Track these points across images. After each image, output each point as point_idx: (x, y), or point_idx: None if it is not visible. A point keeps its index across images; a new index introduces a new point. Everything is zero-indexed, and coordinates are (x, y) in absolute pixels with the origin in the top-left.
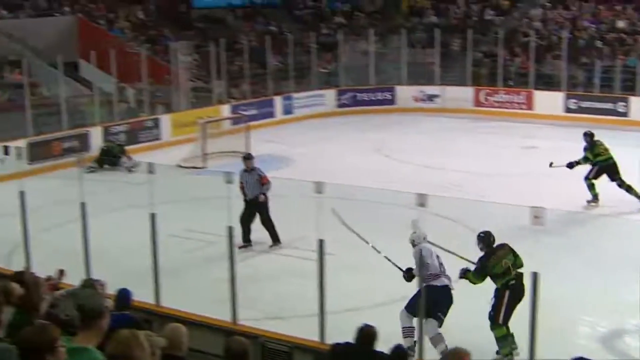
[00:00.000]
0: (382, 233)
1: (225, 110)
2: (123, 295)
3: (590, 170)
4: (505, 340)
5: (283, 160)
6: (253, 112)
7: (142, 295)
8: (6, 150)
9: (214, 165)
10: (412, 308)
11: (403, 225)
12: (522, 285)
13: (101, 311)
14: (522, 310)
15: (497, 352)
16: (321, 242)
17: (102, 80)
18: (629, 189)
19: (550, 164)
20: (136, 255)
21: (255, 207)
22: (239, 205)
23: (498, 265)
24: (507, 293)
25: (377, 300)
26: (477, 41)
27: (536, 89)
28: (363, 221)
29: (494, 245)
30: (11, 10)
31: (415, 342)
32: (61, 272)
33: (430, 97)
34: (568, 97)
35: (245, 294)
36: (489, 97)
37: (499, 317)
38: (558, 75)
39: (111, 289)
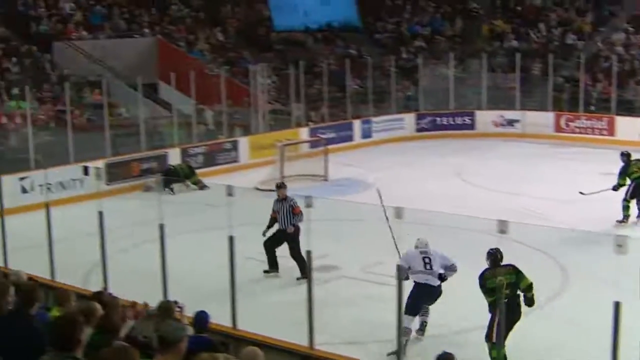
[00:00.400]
0: (461, 259)
1: (304, 133)
2: (201, 318)
3: (627, 191)
4: None
5: (361, 185)
6: (331, 135)
7: (219, 317)
8: (85, 171)
9: (291, 188)
10: (408, 309)
11: (482, 251)
12: (517, 306)
13: (181, 337)
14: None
15: None
16: (399, 267)
17: (181, 102)
18: None
19: (581, 193)
20: (213, 277)
21: (284, 237)
22: (318, 229)
23: (491, 280)
24: (497, 311)
25: (455, 327)
26: (558, 66)
27: (618, 114)
28: (441, 247)
29: (500, 263)
30: (91, 32)
31: (406, 340)
32: (146, 305)
33: (510, 122)
34: None
35: (322, 318)
36: (569, 123)
37: (492, 335)
38: None
39: (189, 311)
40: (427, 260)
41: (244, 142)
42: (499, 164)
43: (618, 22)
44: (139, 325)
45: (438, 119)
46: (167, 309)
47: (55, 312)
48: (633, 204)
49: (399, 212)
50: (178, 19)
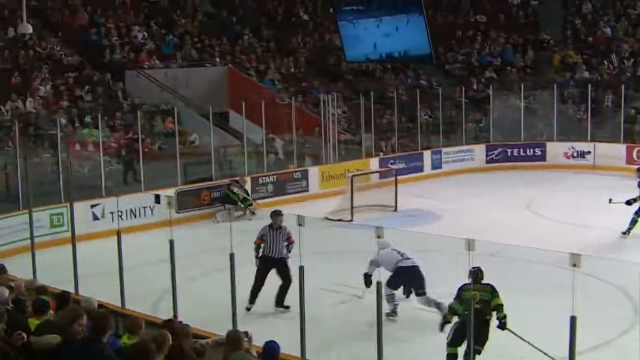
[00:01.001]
0: (532, 292)
1: (374, 163)
2: (270, 348)
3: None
4: (448, 358)
5: (431, 216)
6: (401, 165)
7: (288, 348)
8: (157, 199)
9: (361, 218)
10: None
11: (554, 284)
12: (484, 324)
13: None
14: None
15: None
16: (471, 300)
17: (251, 131)
18: None
19: (610, 200)
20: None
21: (277, 265)
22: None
23: (467, 292)
24: (460, 319)
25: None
26: (630, 97)
27: None
28: (513, 279)
29: (481, 282)
30: (163, 61)
31: (396, 305)
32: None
33: (582, 154)
34: None
35: (391, 350)
36: None
37: (450, 335)
38: None
39: (258, 341)
40: (400, 251)
41: (314, 172)
42: (570, 196)
43: None
44: (207, 352)
45: (508, 150)
46: (236, 339)
47: (126, 340)
48: None
49: (469, 244)
50: (249, 49)
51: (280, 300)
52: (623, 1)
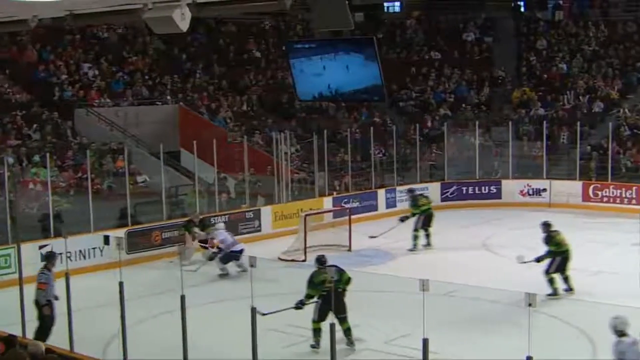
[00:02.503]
0: (489, 331)
1: (328, 202)
2: None
3: (550, 264)
4: (314, 333)
5: (386, 255)
6: (355, 204)
7: None
8: (106, 240)
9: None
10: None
11: (510, 323)
12: (338, 299)
13: None
14: None
15: None
16: (425, 342)
17: (203, 171)
18: (566, 279)
19: (518, 259)
20: (235, 349)
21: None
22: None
23: (319, 276)
24: (320, 300)
25: None
26: (585, 134)
27: None
28: (469, 319)
29: (326, 265)
30: (113, 98)
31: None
32: None
33: (537, 192)
34: None
35: None
36: (597, 192)
37: (315, 314)
38: None
39: None
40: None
41: (266, 212)
42: (526, 234)
43: None
44: None
45: (464, 188)
46: None
47: None
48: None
49: (424, 284)
50: (200, 87)
51: None
52: (577, 37)
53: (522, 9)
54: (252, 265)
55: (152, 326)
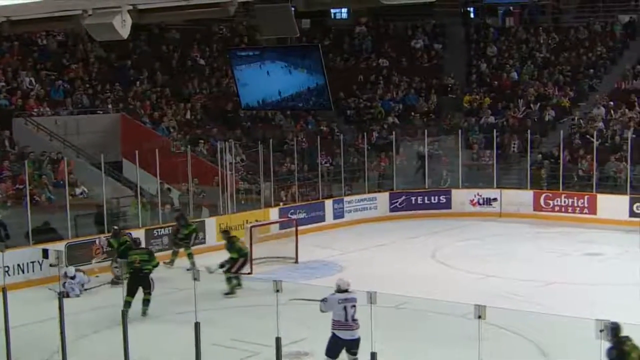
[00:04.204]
0: (440, 343)
1: (274, 213)
2: None
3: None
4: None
5: (333, 267)
6: (302, 215)
7: None
8: (45, 254)
9: (261, 271)
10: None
11: (460, 336)
12: (145, 278)
13: None
14: None
15: None
16: (373, 355)
17: (145, 181)
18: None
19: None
20: None
21: None
22: (287, 315)
23: (131, 256)
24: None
25: None
26: (536, 142)
27: (599, 192)
28: (419, 331)
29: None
30: (53, 107)
31: None
32: None
33: (488, 201)
34: (633, 200)
35: None
36: (549, 201)
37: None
38: (622, 177)
39: None
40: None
41: (211, 223)
42: (477, 244)
43: (598, 96)
44: None
45: (413, 198)
46: None
47: None
48: None
49: (372, 297)
50: (143, 95)
51: None
52: (528, 44)
53: (472, 16)
54: (195, 279)
55: (93, 342)
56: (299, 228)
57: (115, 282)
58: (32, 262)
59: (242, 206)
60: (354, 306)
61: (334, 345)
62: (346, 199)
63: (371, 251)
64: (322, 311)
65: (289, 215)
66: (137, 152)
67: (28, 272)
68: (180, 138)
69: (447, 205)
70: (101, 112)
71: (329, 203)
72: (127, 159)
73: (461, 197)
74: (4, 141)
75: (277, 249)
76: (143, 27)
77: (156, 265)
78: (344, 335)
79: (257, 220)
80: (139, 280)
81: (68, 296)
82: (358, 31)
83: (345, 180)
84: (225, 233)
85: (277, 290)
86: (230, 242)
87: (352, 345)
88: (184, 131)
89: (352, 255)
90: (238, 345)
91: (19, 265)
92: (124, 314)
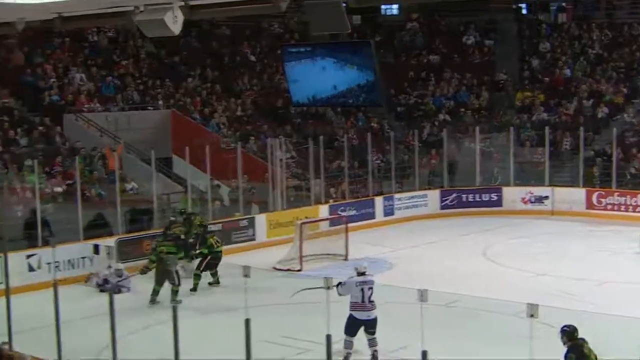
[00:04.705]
0: (490, 342)
1: (324, 210)
2: None
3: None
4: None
5: (383, 265)
6: (352, 212)
7: None
8: (96, 249)
9: (311, 268)
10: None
11: (511, 335)
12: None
13: None
14: None
15: None
16: (425, 353)
17: (195, 177)
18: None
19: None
20: None
21: None
22: (338, 311)
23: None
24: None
25: None
26: (589, 139)
27: None
28: (470, 330)
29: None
30: (103, 103)
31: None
32: None
33: (539, 199)
34: None
35: None
36: (602, 199)
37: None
38: None
39: None
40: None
41: (261, 220)
42: (528, 243)
43: None
44: None
45: (463, 195)
46: None
47: None
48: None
49: (422, 295)
50: (193, 91)
51: None
52: (581, 40)
53: (524, 12)
54: (246, 275)
55: (143, 338)
56: (349, 225)
57: (144, 271)
58: (83, 258)
59: (292, 203)
60: (371, 288)
61: (352, 325)
62: (396, 196)
63: (421, 248)
64: (339, 294)
65: (339, 212)
66: (187, 148)
67: (78, 267)
68: (231, 134)
69: (498, 203)
70: (151, 108)
71: (379, 200)
72: (177, 155)
73: (512, 194)
74: (54, 137)
75: (327, 246)
76: (193, 23)
77: (181, 259)
78: (360, 315)
79: (307, 217)
80: (164, 271)
81: (120, 292)
82: (409, 27)
83: (396, 178)
84: (204, 227)
85: (328, 287)
86: (204, 237)
87: (369, 325)
88: (234, 127)
89: (402, 252)
90: (288, 343)
91: (69, 260)
92: (175, 310)
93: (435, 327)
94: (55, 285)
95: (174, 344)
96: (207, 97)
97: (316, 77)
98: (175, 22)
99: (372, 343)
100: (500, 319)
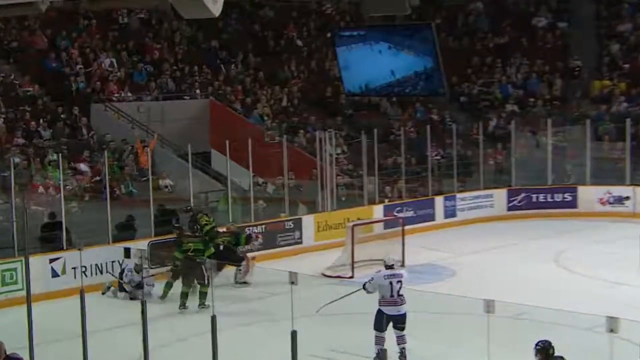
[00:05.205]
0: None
1: (378, 211)
2: None
3: None
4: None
5: (444, 272)
6: (410, 214)
7: None
8: (127, 253)
9: (363, 275)
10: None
11: (587, 352)
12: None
13: None
14: None
15: None
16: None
17: (237, 174)
18: None
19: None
20: None
21: None
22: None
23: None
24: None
25: None
26: None
27: None
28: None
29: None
30: (135, 92)
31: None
32: None
33: (619, 200)
34: None
35: None
36: None
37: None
38: None
39: None
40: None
41: (308, 221)
42: (606, 248)
43: None
44: None
45: (534, 195)
46: None
47: None
48: None
49: (489, 306)
50: (234, 79)
51: None
52: None
53: None
54: (292, 283)
55: (178, 350)
56: (406, 227)
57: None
58: (112, 262)
59: (343, 203)
60: (400, 282)
61: (380, 320)
62: (459, 195)
63: (486, 254)
64: (368, 292)
65: (395, 213)
66: (227, 142)
67: (107, 272)
68: (275, 127)
69: (573, 204)
70: (188, 97)
71: (439, 200)
72: (216, 150)
73: (589, 194)
74: (81, 129)
75: (381, 250)
76: (234, 4)
77: (211, 256)
78: (389, 310)
79: (359, 219)
80: (192, 270)
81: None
82: (473, 8)
83: (458, 175)
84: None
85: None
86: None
87: (398, 320)
88: (279, 119)
89: (464, 258)
90: (337, 357)
91: (96, 265)
92: (213, 320)
93: (501, 342)
94: (82, 292)
95: (213, 358)
96: (249, 86)
97: (370, 64)
98: (214, 3)
99: (401, 340)
100: (575, 334)
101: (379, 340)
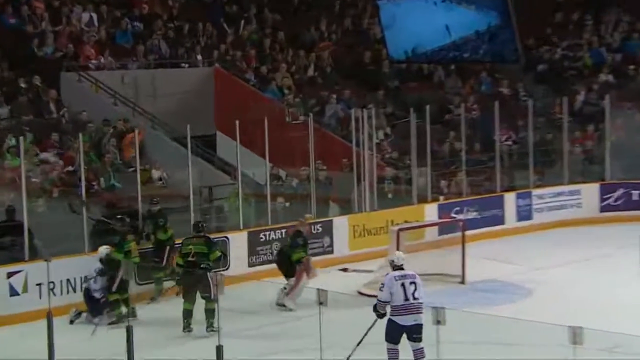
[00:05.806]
0: None
1: (431, 212)
2: None
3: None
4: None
5: (517, 291)
6: (472, 215)
7: None
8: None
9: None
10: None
11: None
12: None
13: None
14: None
15: None
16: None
17: (249, 164)
18: None
19: None
20: None
21: None
22: (455, 355)
23: (185, 246)
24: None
25: None
26: None
27: None
28: None
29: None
30: (118, 57)
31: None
32: None
33: None
34: None
35: None
36: None
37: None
38: None
39: None
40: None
41: (342, 225)
42: None
43: None
44: None
45: (634, 192)
46: None
47: None
48: None
49: (576, 335)
50: (246, 41)
51: None
52: None
53: None
54: (321, 303)
55: None
56: (468, 233)
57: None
58: (89, 278)
59: (386, 201)
60: (413, 282)
61: (392, 331)
62: (535, 192)
63: (571, 268)
64: (382, 302)
65: (453, 215)
66: (237, 122)
67: (80, 290)
68: (299, 103)
69: None
70: (186, 65)
71: (510, 197)
72: (222, 132)
73: None
74: (48, 105)
75: (436, 262)
76: None
77: (217, 259)
78: (403, 320)
79: (406, 222)
80: (195, 280)
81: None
82: None
83: (535, 166)
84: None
85: (438, 322)
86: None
87: (412, 331)
88: (304, 93)
89: (543, 273)
90: None
91: (68, 280)
92: (219, 351)
93: None
94: (49, 315)
95: None
96: (265, 50)
97: (420, 22)
98: None
99: (420, 354)
100: None
101: (393, 354)
